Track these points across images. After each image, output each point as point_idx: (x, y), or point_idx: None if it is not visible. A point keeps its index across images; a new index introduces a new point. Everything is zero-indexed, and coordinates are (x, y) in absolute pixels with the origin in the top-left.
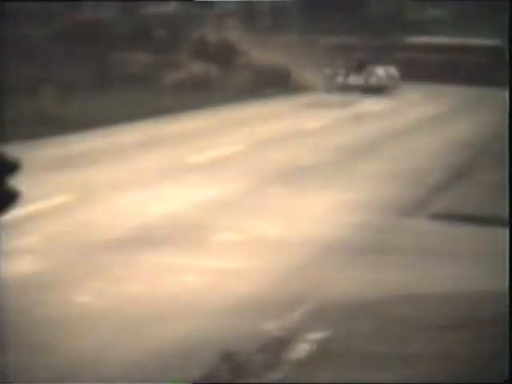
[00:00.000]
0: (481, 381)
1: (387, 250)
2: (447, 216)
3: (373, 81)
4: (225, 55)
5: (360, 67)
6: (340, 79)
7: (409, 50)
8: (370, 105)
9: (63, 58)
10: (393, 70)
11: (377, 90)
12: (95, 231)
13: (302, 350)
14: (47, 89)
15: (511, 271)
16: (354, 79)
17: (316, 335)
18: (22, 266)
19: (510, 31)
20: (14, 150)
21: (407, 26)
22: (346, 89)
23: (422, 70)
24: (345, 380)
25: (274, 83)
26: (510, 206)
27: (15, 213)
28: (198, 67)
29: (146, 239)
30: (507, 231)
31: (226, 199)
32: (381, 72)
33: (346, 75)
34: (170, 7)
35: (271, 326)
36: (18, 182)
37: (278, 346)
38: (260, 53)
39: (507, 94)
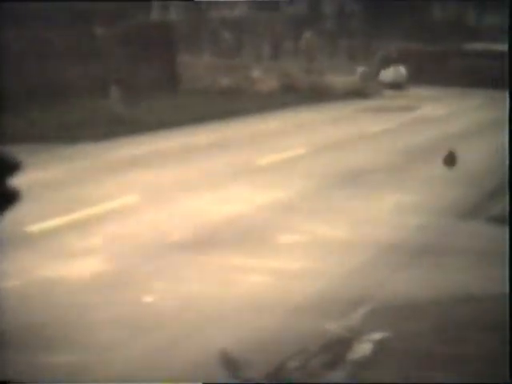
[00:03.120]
0: None
1: (446, 252)
2: (505, 219)
3: None
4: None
5: None
6: None
7: (465, 56)
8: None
9: (130, 59)
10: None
11: None
12: (160, 232)
13: (363, 349)
14: (115, 90)
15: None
16: None
17: (377, 335)
18: (89, 267)
19: (510, 32)
20: (82, 150)
21: (465, 32)
22: None
23: (478, 76)
24: (407, 379)
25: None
26: (511, 206)
27: (82, 213)
28: (258, 71)
29: (211, 240)
30: None
31: (289, 201)
32: None
33: None
34: (236, 11)
35: (333, 326)
36: (89, 182)
37: (340, 345)
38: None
39: None
